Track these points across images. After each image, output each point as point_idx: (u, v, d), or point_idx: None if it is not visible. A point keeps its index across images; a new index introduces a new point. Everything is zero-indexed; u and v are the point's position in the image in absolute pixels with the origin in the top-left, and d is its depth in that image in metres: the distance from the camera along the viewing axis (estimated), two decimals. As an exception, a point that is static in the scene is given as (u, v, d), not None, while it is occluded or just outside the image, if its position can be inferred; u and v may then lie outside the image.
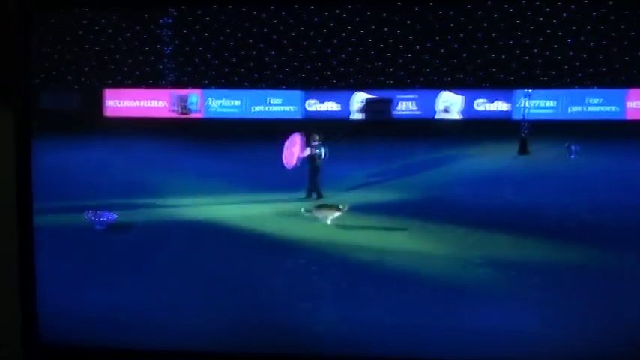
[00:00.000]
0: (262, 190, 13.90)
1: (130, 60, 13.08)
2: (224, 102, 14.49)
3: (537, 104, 13.99)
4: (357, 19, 12.66)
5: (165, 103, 14.24)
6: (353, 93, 14.28)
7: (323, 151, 13.46)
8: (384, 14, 12.61)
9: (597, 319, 9.99)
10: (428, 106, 14.57)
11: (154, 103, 14.26)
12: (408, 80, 13.76)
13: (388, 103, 14.34)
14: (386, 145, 14.18)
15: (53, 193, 10.79)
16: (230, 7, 12.59)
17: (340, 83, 13.96)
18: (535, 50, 12.96)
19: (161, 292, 10.79)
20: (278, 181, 13.77)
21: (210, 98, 14.44)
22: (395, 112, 14.57)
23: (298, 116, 14.77)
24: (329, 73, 13.75)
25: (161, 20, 12.57)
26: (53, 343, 9.72)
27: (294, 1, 12.42)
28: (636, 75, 12.78)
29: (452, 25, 12.76)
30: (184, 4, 12.44)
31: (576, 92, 14.04)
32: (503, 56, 13.07)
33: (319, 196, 13.64)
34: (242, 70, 13.80)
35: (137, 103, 14.17)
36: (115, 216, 12.61)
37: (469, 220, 12.29)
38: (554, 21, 12.42)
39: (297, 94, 14.51)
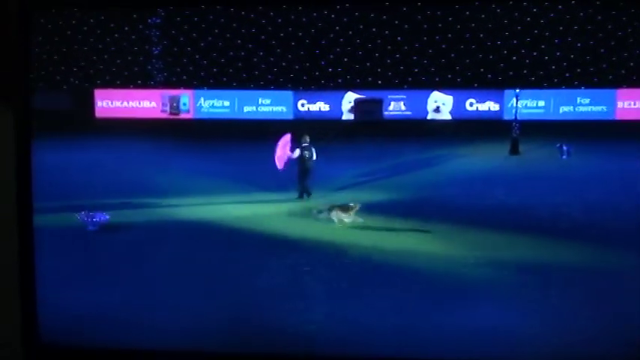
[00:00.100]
0: (253, 190, 13.92)
1: (122, 60, 13.13)
2: (215, 102, 14.54)
3: (527, 104, 14.02)
4: (346, 20, 12.71)
5: (154, 104, 14.32)
6: (344, 93, 14.31)
7: (313, 151, 13.47)
8: (373, 14, 12.65)
9: (589, 319, 9.95)
10: (419, 106, 14.60)
11: (145, 104, 14.33)
12: (397, 81, 13.79)
13: (379, 104, 14.37)
14: (377, 145, 14.21)
15: (46, 193, 10.81)
16: (218, 7, 12.64)
17: (330, 84, 14.00)
18: (523, 51, 12.99)
19: (159, 292, 10.78)
20: (269, 181, 13.79)
21: (201, 99, 14.50)
22: (386, 113, 14.61)
23: (289, 117, 14.80)
24: (318, 73, 13.79)
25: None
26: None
27: (283, 2, 12.46)
28: (625, 75, 12.80)
29: (440, 25, 12.80)
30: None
31: (567, 92, 14.06)
32: (491, 56, 13.11)
33: (308, 195, 13.64)
34: (231, 70, 13.84)
35: (128, 104, 14.26)
36: (107, 216, 12.63)
37: (461, 220, 12.29)
38: (542, 21, 12.45)
39: (288, 94, 14.54)
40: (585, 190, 12.84)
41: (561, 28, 12.47)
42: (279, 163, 13.46)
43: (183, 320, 10.25)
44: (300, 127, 14.08)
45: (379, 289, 10.80)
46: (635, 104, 13.80)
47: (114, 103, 14.38)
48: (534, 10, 12.22)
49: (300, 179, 13.64)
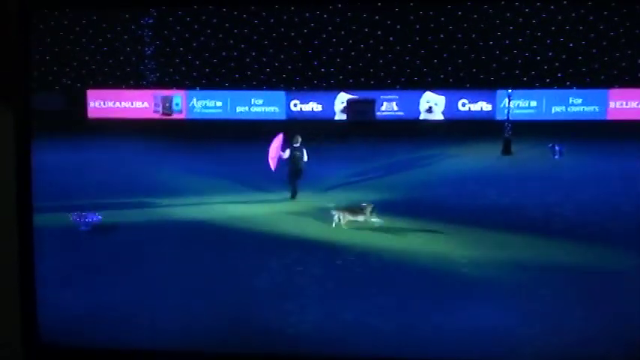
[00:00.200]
0: (246, 190, 13.90)
1: (114, 61, 13.13)
2: (208, 103, 14.55)
3: (519, 104, 14.08)
4: (338, 20, 12.73)
5: (147, 105, 14.33)
6: (336, 94, 14.33)
7: (304, 152, 13.41)
8: (365, 15, 12.68)
9: (581, 319, 9.94)
10: (411, 106, 14.63)
11: (137, 104, 14.33)
12: (389, 81, 13.83)
13: (371, 104, 14.39)
14: (369, 145, 14.21)
15: (39, 193, 10.77)
16: (210, 7, 12.65)
17: (322, 84, 14.03)
18: (515, 51, 13.04)
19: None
20: (261, 181, 13.78)
21: (193, 99, 14.51)
22: (378, 113, 14.64)
23: (282, 117, 14.82)
24: (310, 73, 13.81)
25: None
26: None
27: (275, 2, 12.45)
28: (617, 75, 12.85)
29: (432, 25, 12.84)
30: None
31: (559, 93, 14.12)
32: (484, 57, 13.15)
33: (294, 196, 13.56)
34: (223, 71, 13.86)
35: (120, 105, 14.27)
36: (100, 217, 12.60)
37: (453, 220, 12.28)
38: (534, 22, 12.50)
39: (280, 94, 14.56)
40: (577, 189, 12.85)
41: (553, 29, 12.52)
42: (273, 164, 13.43)
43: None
44: (293, 127, 14.07)
45: (371, 288, 10.79)
46: (627, 104, 13.87)
47: (106, 103, 14.37)
48: (526, 10, 12.26)
49: (290, 179, 13.59)
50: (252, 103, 14.56)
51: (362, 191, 13.56)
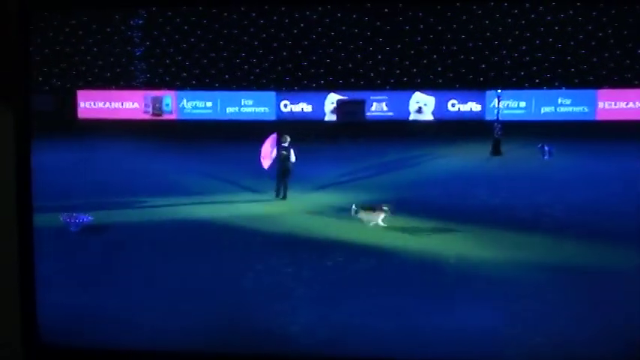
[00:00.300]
0: (236, 190, 13.91)
1: (104, 61, 13.10)
2: (198, 103, 14.55)
3: (508, 105, 14.11)
4: (328, 21, 12.73)
5: (137, 105, 14.31)
6: (326, 95, 14.34)
7: (292, 152, 13.42)
8: (355, 16, 12.69)
9: (574, 319, 9.96)
10: (401, 107, 14.65)
11: (127, 105, 14.31)
12: (379, 82, 13.84)
13: (361, 105, 14.41)
14: (359, 145, 14.23)
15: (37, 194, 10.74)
16: (200, 8, 12.63)
17: (312, 85, 14.03)
18: (504, 51, 13.06)
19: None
20: (252, 181, 13.80)
21: (183, 100, 14.50)
22: (368, 114, 14.66)
23: (272, 117, 14.82)
24: (300, 74, 13.81)
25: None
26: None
27: (265, 3, 12.44)
28: (605, 75, 12.89)
29: (422, 26, 12.84)
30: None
31: (548, 93, 14.15)
32: (473, 57, 13.17)
33: (283, 197, 13.56)
34: (213, 71, 13.85)
35: (110, 105, 14.25)
36: (90, 217, 12.57)
37: (443, 220, 12.30)
38: (523, 22, 12.53)
39: (270, 95, 14.56)
40: (567, 189, 12.90)
41: (542, 30, 12.55)
42: (265, 163, 13.46)
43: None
44: (283, 127, 14.06)
45: (361, 288, 10.80)
46: (615, 105, 13.91)
47: (96, 104, 14.34)
48: (515, 11, 12.29)
49: (278, 179, 13.60)
50: (243, 103, 14.57)
51: (352, 191, 13.59)
